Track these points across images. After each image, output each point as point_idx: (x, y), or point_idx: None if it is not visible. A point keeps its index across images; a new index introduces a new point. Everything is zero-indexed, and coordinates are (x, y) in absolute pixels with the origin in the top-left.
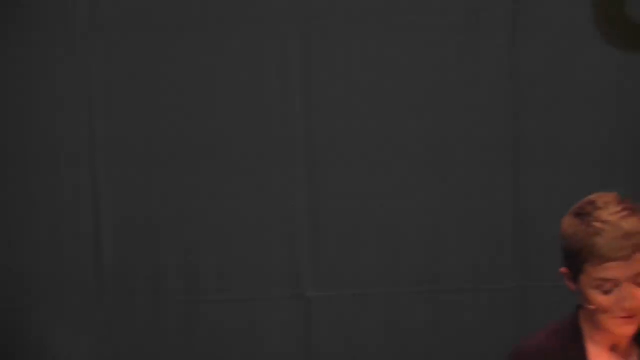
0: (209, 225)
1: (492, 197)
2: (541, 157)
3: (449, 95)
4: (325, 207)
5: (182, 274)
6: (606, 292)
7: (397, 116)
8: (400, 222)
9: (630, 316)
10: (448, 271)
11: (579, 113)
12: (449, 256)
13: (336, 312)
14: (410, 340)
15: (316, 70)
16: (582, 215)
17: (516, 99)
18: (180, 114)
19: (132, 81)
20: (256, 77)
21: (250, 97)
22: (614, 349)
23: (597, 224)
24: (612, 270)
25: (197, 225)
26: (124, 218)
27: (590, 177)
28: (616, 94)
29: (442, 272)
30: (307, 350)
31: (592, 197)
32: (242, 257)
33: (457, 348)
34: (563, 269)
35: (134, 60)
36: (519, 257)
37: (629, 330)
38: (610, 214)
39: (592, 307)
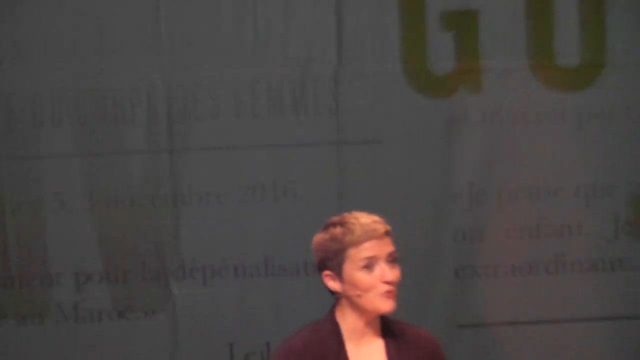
0: None
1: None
2: (364, 188)
3: (285, 134)
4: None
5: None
6: (369, 270)
7: (248, 162)
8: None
9: (390, 291)
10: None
11: (395, 150)
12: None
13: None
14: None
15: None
16: (334, 224)
17: (340, 135)
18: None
19: None
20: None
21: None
22: (364, 336)
23: (351, 220)
24: (370, 249)
25: None
26: None
27: (401, 209)
28: (424, 132)
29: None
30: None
31: (332, 218)
32: None
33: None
34: (325, 273)
35: None
36: None
37: (389, 305)
38: (356, 214)
39: (357, 293)
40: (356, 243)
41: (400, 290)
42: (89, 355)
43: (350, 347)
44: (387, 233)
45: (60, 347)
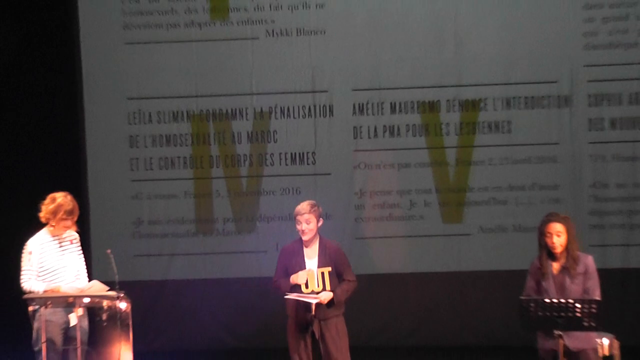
0: None
1: None
2: (324, 192)
3: (296, 172)
4: None
5: None
6: (299, 224)
7: (282, 182)
8: None
9: (305, 234)
10: None
11: (337, 177)
12: None
13: None
14: None
15: None
16: (299, 204)
17: (316, 171)
18: None
19: None
20: None
21: None
22: (309, 244)
23: (300, 204)
24: (300, 218)
25: None
26: None
27: (336, 199)
28: (344, 171)
29: None
30: None
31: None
32: None
33: None
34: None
35: None
36: None
37: (303, 235)
38: (306, 202)
39: (300, 233)
40: (296, 214)
41: (335, 225)
42: (225, 248)
43: (305, 249)
44: (310, 211)
45: (220, 247)
